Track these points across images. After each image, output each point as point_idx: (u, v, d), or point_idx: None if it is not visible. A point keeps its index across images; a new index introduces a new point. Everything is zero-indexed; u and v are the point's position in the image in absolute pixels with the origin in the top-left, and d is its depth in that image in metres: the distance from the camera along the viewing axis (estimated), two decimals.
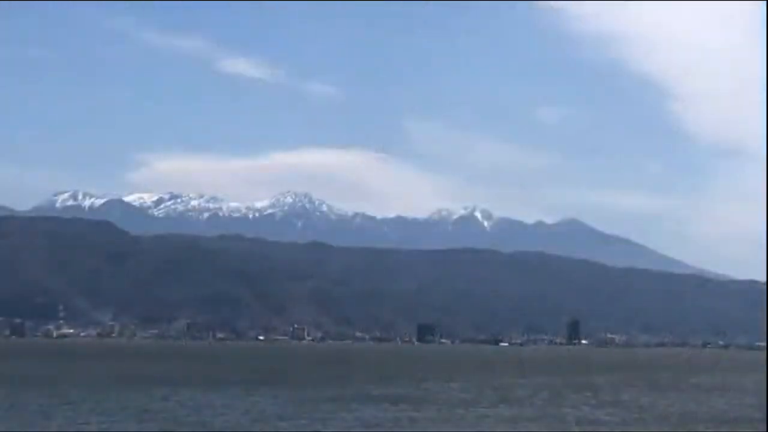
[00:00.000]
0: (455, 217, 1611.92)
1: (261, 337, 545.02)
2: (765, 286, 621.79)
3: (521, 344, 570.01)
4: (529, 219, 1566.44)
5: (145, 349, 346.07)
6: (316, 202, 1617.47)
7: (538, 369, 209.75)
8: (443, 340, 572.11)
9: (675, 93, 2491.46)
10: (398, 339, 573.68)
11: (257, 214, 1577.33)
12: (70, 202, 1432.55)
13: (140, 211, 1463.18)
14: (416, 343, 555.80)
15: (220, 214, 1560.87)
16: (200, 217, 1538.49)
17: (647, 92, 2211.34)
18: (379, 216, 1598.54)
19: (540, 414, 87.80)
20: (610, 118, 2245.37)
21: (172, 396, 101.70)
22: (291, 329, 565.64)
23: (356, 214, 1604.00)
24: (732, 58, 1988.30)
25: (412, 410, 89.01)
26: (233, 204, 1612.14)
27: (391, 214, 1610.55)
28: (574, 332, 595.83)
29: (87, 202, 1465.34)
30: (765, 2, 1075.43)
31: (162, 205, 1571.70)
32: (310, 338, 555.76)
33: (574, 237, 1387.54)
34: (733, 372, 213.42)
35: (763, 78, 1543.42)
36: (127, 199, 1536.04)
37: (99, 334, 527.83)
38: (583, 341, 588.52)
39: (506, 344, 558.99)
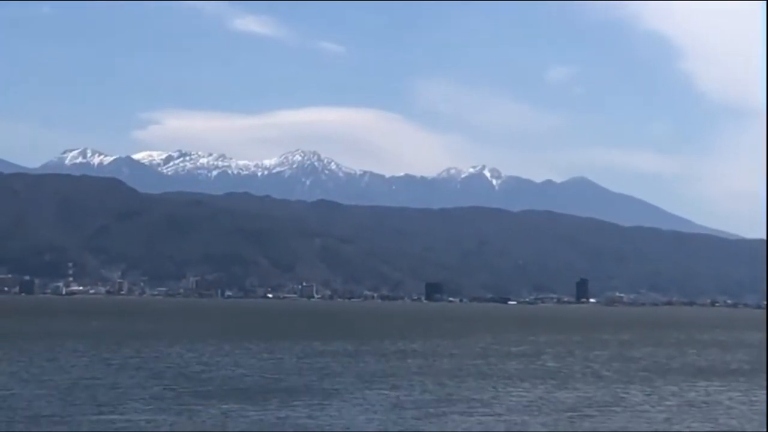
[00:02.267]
0: (464, 175, 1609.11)
1: (269, 295, 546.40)
2: None
3: (529, 303, 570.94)
4: (538, 178, 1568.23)
5: (153, 306, 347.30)
6: (325, 161, 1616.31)
7: (546, 327, 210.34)
8: (451, 299, 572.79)
9: (685, 52, 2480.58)
10: (406, 297, 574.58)
11: (266, 172, 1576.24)
12: (80, 160, 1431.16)
13: (149, 169, 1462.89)
14: (424, 301, 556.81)
15: (229, 172, 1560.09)
16: (209, 175, 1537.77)
17: (657, 51, 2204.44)
18: (387, 174, 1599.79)
19: (547, 370, 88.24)
20: (620, 77, 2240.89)
21: (181, 351, 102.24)
22: (299, 287, 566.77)
23: (365, 173, 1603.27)
24: (741, 17, 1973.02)
25: (421, 364, 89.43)
26: (242, 162, 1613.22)
27: (400, 173, 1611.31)
28: (582, 291, 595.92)
29: (96, 160, 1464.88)
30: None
31: (171, 163, 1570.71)
32: (318, 296, 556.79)
33: (582, 196, 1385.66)
34: (737, 330, 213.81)
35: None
36: (136, 156, 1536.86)
37: (108, 292, 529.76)
38: (591, 300, 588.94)
39: (514, 303, 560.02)
